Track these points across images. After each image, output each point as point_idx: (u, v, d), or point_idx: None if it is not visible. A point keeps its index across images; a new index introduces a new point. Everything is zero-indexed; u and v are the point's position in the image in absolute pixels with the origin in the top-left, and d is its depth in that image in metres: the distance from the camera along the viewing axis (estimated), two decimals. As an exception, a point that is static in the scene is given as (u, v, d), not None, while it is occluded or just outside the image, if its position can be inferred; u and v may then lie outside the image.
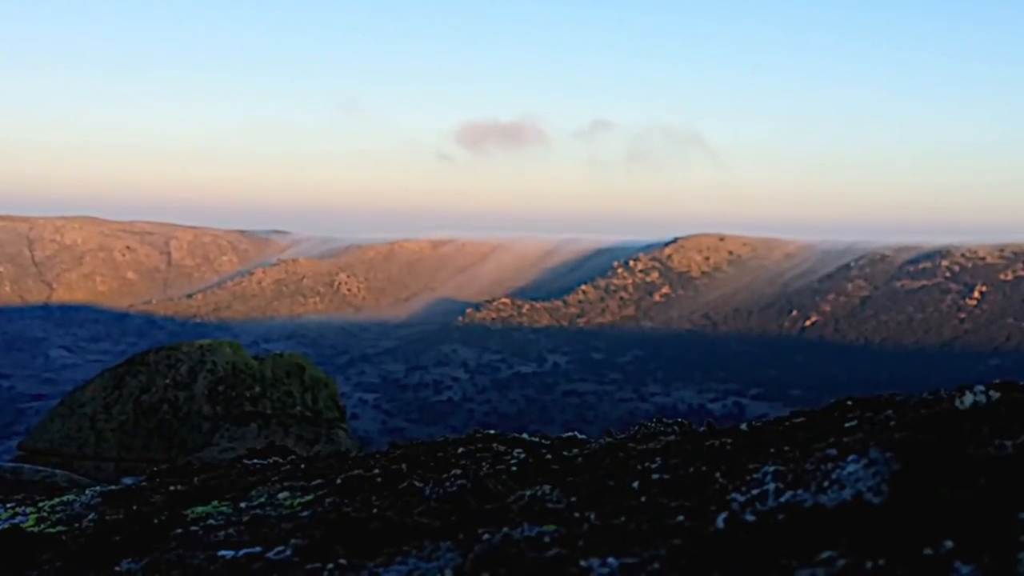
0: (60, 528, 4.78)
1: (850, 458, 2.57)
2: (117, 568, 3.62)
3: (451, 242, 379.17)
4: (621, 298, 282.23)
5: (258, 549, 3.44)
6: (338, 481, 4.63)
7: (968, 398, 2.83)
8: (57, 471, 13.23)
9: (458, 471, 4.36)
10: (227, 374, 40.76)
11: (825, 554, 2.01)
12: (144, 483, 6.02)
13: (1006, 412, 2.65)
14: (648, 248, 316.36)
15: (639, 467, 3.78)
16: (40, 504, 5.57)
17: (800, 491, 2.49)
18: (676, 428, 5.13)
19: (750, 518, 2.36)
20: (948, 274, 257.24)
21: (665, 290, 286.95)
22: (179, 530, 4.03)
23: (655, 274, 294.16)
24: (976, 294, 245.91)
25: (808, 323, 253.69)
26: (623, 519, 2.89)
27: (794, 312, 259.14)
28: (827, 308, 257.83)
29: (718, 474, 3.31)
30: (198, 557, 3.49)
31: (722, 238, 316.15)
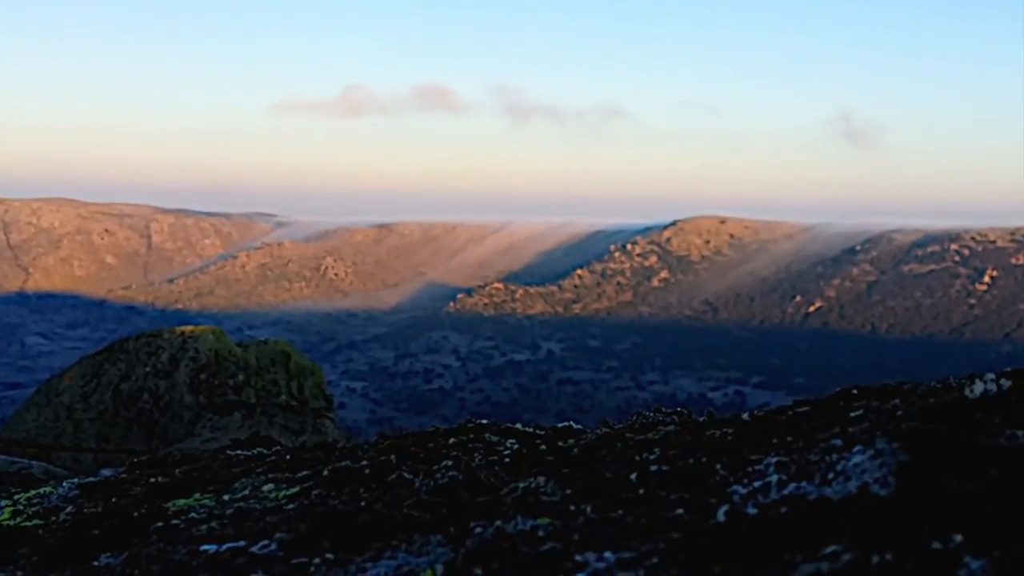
0: (36, 522, 4.77)
1: (856, 449, 2.57)
2: (95, 563, 3.61)
3: (442, 225, 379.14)
4: (618, 283, 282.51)
5: (242, 543, 3.43)
6: (325, 473, 4.63)
7: (978, 387, 2.83)
8: (33, 462, 13.21)
9: (449, 463, 4.36)
10: (209, 362, 40.79)
11: (830, 548, 2.01)
12: (123, 475, 6.02)
13: (1017, 401, 2.65)
14: (646, 231, 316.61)
15: (637, 458, 3.78)
16: (16, 497, 5.56)
17: (804, 483, 2.49)
18: (675, 418, 5.12)
19: (752, 511, 2.36)
20: (958, 258, 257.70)
21: (664, 275, 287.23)
22: (160, 524, 4.03)
23: (653, 258, 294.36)
24: (987, 279, 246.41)
25: (812, 309, 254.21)
26: (620, 512, 2.89)
27: (798, 297, 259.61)
28: (832, 293, 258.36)
29: (719, 465, 3.31)
30: (179, 551, 3.48)
31: (723, 220, 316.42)
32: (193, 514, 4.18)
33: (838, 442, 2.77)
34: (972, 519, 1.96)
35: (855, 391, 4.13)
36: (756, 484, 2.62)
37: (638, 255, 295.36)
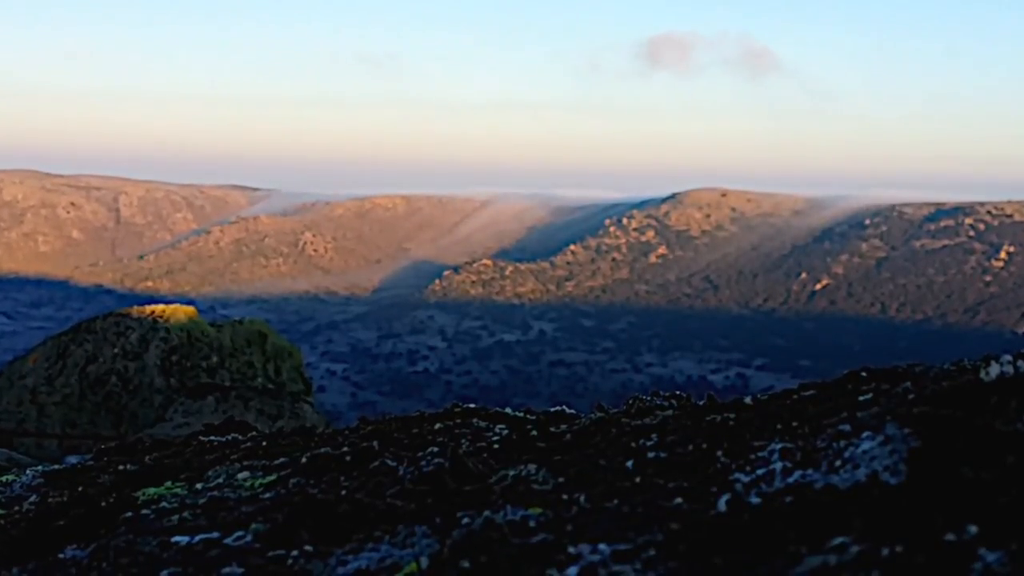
0: (-2, 512, 4.77)
1: (864, 435, 2.57)
2: (61, 555, 3.61)
3: (428, 199, 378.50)
4: (614, 260, 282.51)
5: (215, 534, 3.43)
6: (303, 460, 4.63)
7: (994, 369, 2.83)
8: (-5, 449, 13.21)
9: (435, 449, 4.36)
10: (181, 343, 40.75)
11: (837, 540, 2.01)
12: (90, 462, 6.02)
13: (1035, 384, 2.65)
14: (643, 205, 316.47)
15: (633, 445, 3.78)
16: (-24, 486, 5.56)
17: (810, 471, 2.49)
18: (674, 402, 5.13)
19: (755, 500, 2.36)
20: (972, 233, 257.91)
21: (662, 251, 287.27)
22: (129, 514, 4.02)
23: (651, 233, 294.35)
24: (1003, 255, 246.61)
25: (818, 287, 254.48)
26: (616, 502, 2.89)
27: (803, 275, 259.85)
28: (839, 270, 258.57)
29: (720, 452, 3.31)
30: (150, 543, 3.48)
31: (724, 193, 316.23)
32: (164, 504, 4.17)
33: (846, 428, 2.77)
34: (988, 509, 1.97)
35: (864, 374, 4.13)
36: (759, 472, 2.63)
37: (634, 230, 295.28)
